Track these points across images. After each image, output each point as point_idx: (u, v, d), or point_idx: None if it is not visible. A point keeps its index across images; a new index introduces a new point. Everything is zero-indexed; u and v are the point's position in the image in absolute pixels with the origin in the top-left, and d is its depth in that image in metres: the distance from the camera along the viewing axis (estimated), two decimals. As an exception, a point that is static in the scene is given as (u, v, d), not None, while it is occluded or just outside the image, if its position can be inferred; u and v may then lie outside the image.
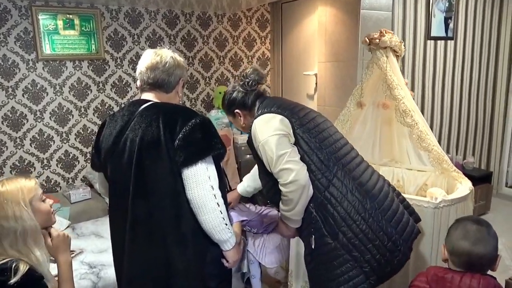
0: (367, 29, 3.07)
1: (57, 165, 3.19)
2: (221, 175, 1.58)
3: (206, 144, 1.41)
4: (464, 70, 3.96)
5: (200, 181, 1.38)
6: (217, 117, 3.55)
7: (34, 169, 3.10)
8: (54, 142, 3.15)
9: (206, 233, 1.43)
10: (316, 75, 3.77)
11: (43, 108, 3.08)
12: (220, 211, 1.40)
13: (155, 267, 1.45)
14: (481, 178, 3.85)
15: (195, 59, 3.70)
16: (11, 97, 2.96)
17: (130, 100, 1.54)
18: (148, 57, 1.52)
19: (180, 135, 1.38)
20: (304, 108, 1.73)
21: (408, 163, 2.71)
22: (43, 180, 3.15)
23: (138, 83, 1.57)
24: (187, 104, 3.73)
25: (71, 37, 3.07)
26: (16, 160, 3.03)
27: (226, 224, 1.43)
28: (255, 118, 1.64)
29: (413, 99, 2.54)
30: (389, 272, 1.59)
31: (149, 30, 3.43)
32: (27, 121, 3.03)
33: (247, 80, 1.74)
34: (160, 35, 3.49)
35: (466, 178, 2.39)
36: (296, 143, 1.60)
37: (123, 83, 3.39)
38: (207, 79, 3.80)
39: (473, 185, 2.24)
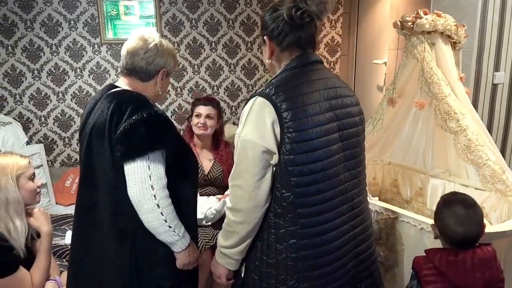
0: (442, 10, 2.53)
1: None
2: (186, 173, 1.47)
3: (147, 141, 1.31)
4: None
5: (138, 179, 1.30)
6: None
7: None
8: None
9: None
10: (385, 63, 3.30)
11: (106, 88, 3.36)
12: (161, 213, 1.31)
13: (94, 259, 1.44)
14: None
15: (254, 44, 3.58)
16: (79, 77, 3.28)
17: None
18: (132, 40, 1.44)
19: (122, 128, 1.31)
20: (318, 119, 1.27)
21: (465, 178, 2.20)
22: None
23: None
24: (244, 90, 3.65)
25: (131, 22, 3.24)
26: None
27: (170, 227, 1.34)
28: (259, 94, 1.24)
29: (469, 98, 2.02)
30: None
31: (207, 14, 3.42)
32: (92, 99, 3.35)
33: (298, 6, 1.21)
34: (219, 20, 3.45)
35: (532, 207, 1.83)
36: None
37: (180, 67, 3.47)
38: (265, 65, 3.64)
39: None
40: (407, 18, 1.78)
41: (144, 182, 1.30)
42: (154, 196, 1.30)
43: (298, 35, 1.27)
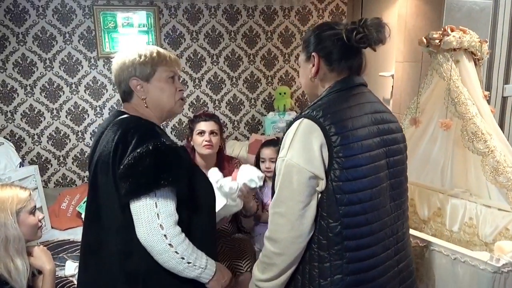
0: (454, 22, 2.46)
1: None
2: (202, 207, 1.35)
3: (152, 177, 1.17)
4: None
5: (145, 219, 1.18)
6: (274, 120, 3.28)
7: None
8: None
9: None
10: (393, 76, 3.23)
11: (103, 104, 3.20)
12: (176, 252, 1.19)
13: None
14: None
15: (256, 57, 3.47)
16: (75, 93, 3.12)
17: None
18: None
19: (126, 162, 1.17)
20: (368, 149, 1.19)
21: (487, 198, 2.11)
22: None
23: None
24: (246, 104, 3.53)
25: (129, 34, 3.10)
26: (77, 152, 3.21)
27: (190, 262, 1.22)
28: (305, 116, 1.17)
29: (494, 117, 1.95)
30: None
31: (209, 26, 3.30)
32: (88, 116, 3.18)
33: (359, 30, 1.16)
34: (220, 32, 3.34)
35: None
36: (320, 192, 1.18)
37: (180, 81, 3.34)
38: (269, 78, 3.54)
39: None
40: (434, 35, 1.69)
41: (152, 222, 1.17)
42: (165, 236, 1.18)
43: (351, 58, 1.22)
